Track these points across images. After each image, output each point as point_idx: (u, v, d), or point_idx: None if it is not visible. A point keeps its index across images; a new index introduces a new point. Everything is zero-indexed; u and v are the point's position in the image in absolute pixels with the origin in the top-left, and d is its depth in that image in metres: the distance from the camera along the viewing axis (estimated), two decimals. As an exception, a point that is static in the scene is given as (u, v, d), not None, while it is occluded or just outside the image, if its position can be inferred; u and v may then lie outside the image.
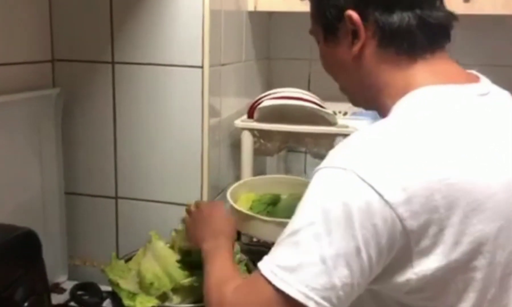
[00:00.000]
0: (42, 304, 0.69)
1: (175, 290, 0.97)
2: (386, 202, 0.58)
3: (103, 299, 1.12)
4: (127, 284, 0.97)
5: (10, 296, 0.61)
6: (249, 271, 1.04)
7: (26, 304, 0.64)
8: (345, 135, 1.25)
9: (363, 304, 0.67)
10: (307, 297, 0.58)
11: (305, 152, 1.72)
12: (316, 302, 0.58)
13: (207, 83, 1.16)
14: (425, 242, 0.60)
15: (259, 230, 1.08)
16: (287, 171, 1.70)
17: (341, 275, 0.58)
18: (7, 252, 0.63)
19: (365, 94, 0.75)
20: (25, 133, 1.14)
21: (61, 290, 1.24)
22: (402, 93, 0.69)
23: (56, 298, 1.20)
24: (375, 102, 0.74)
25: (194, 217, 0.99)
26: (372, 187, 0.59)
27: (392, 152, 0.61)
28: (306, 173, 1.74)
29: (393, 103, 0.69)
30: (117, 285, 0.96)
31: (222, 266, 0.80)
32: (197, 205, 1.01)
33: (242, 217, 1.08)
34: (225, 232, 0.92)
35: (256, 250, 1.12)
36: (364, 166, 0.60)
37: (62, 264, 1.29)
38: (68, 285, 1.27)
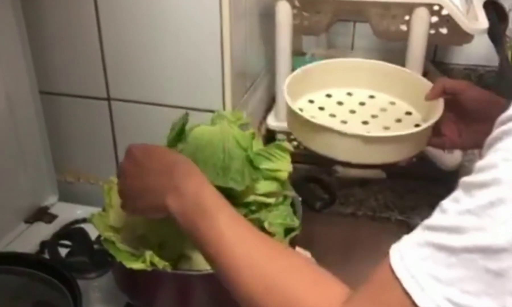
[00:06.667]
0: None
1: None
2: None
3: (93, 256, 0.72)
4: (125, 241, 0.68)
5: None
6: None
7: None
8: (429, 5, 0.87)
9: None
10: None
11: (354, 21, 1.33)
12: None
13: None
14: None
15: (331, 146, 0.74)
16: (330, 46, 1.33)
17: None
18: None
19: None
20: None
21: (50, 218, 0.98)
22: None
23: (43, 229, 0.95)
24: None
25: (128, 166, 0.62)
26: None
27: None
28: (353, 50, 1.36)
29: None
30: (113, 244, 0.67)
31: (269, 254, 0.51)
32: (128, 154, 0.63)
33: (307, 128, 0.75)
34: (197, 172, 0.58)
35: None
36: None
37: (50, 181, 1.02)
38: (60, 208, 1.01)
